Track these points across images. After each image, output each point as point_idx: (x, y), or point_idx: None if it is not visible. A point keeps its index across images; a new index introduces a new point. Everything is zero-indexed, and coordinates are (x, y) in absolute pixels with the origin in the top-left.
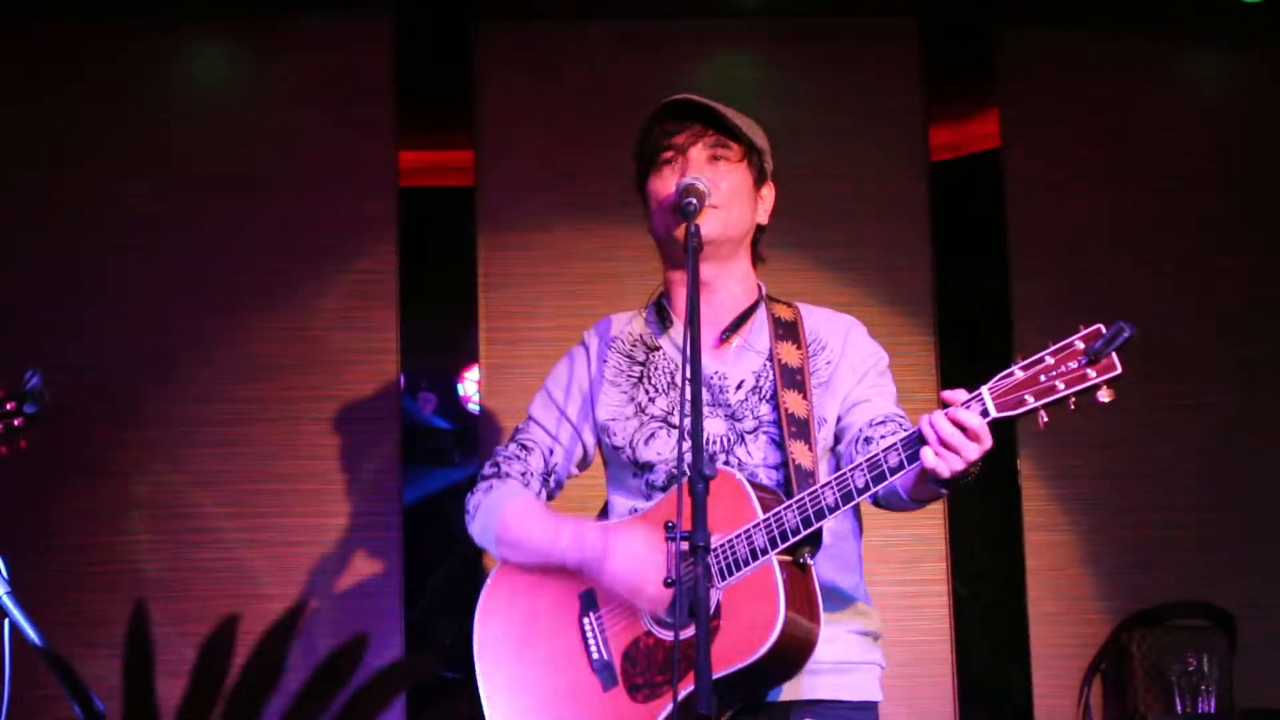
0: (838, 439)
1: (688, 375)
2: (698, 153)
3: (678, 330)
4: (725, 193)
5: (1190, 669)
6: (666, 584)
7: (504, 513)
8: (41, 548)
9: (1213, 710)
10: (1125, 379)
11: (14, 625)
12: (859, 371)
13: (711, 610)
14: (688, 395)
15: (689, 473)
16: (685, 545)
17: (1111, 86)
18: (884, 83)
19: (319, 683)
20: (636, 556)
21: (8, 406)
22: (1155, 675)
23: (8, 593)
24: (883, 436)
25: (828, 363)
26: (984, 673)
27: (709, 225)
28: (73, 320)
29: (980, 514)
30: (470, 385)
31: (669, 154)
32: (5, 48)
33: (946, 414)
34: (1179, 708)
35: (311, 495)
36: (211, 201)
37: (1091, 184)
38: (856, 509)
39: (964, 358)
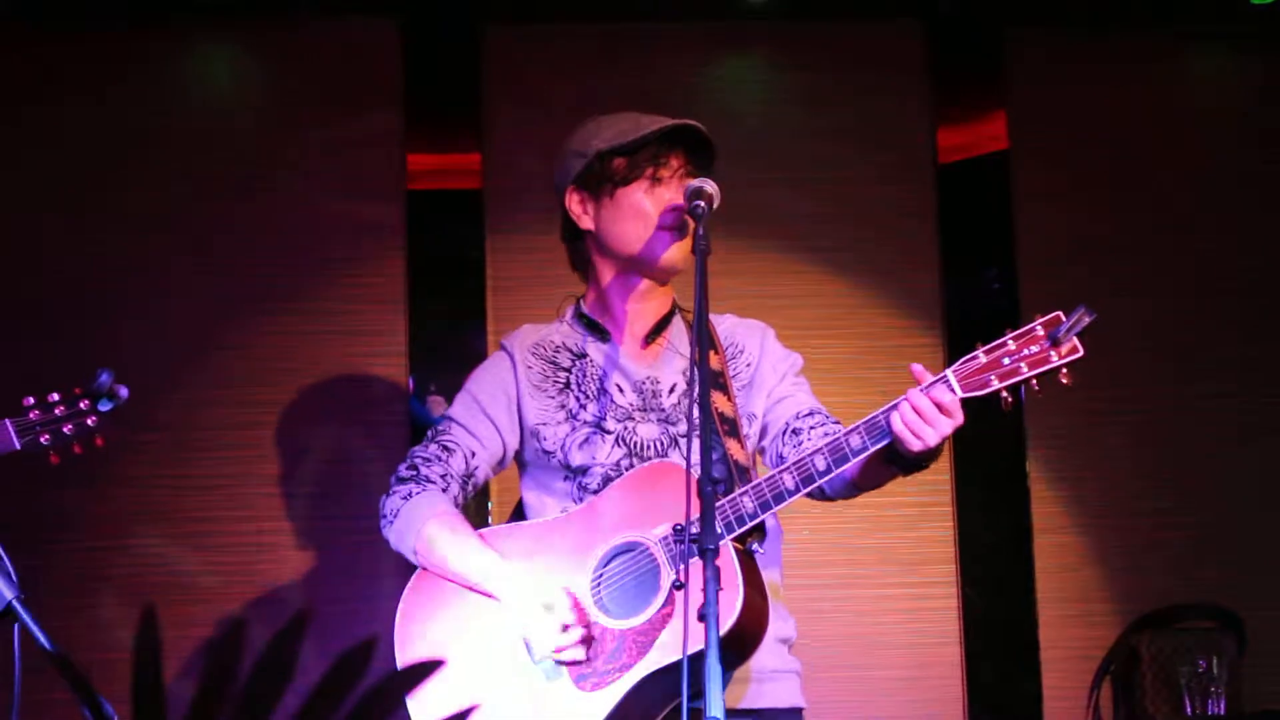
0: (761, 435)
1: (696, 383)
2: (680, 181)
3: (613, 344)
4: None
5: (1200, 671)
6: (675, 587)
7: (423, 532)
8: (51, 552)
9: (1222, 712)
10: (1138, 380)
11: (24, 629)
12: (780, 371)
13: (662, 599)
14: (630, 401)
15: (685, 464)
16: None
17: (1119, 88)
18: (891, 85)
19: (329, 685)
20: (537, 607)
21: (81, 405)
22: (1164, 677)
23: (17, 597)
24: (811, 428)
25: (748, 365)
26: (993, 675)
27: (683, 256)
28: (80, 325)
29: (989, 516)
30: None
31: (665, 172)
32: (5, 50)
33: (925, 392)
34: (1188, 709)
35: (320, 498)
36: (218, 205)
37: (1099, 185)
38: (776, 514)
39: None
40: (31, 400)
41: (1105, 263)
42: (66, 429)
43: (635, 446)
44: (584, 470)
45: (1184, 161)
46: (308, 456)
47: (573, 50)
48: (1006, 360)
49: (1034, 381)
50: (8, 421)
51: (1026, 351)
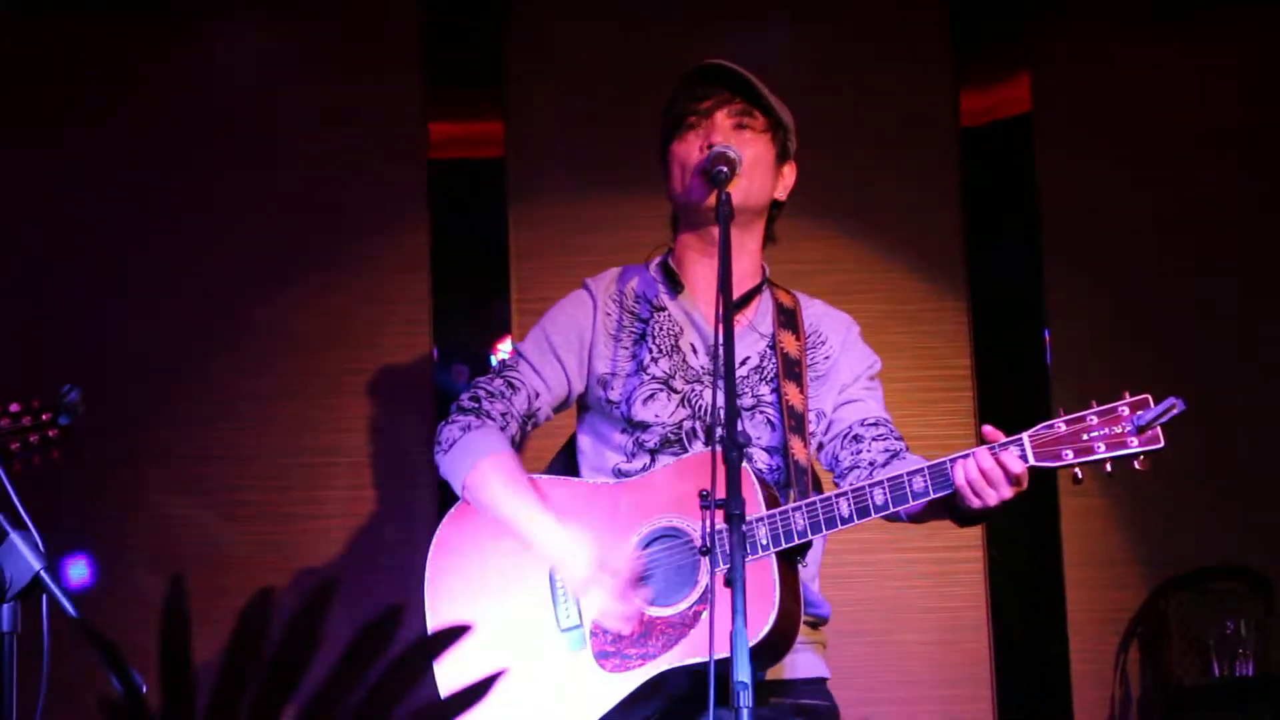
0: (824, 431)
1: (719, 351)
2: (723, 119)
3: (688, 297)
4: (747, 161)
5: (1227, 633)
6: (702, 552)
7: (478, 465)
8: (79, 523)
9: (1250, 674)
10: (1165, 344)
11: (52, 601)
12: (856, 370)
13: (698, 594)
14: (702, 364)
15: (719, 440)
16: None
17: (1145, 50)
18: (913, 47)
19: (354, 654)
20: (604, 569)
21: (43, 417)
22: (1192, 639)
23: (44, 568)
24: (874, 438)
25: (826, 357)
26: (1020, 638)
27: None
28: (106, 300)
29: None
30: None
31: (693, 118)
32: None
33: (995, 456)
34: (1216, 672)
35: (345, 469)
36: (239, 176)
37: (1124, 149)
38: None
39: (996, 324)
40: None
41: (1130, 226)
42: (33, 439)
43: (700, 410)
44: (645, 426)
45: (1213, 126)
46: (333, 427)
47: (596, 18)
48: (1085, 436)
49: (1108, 463)
50: None
51: (1107, 431)
